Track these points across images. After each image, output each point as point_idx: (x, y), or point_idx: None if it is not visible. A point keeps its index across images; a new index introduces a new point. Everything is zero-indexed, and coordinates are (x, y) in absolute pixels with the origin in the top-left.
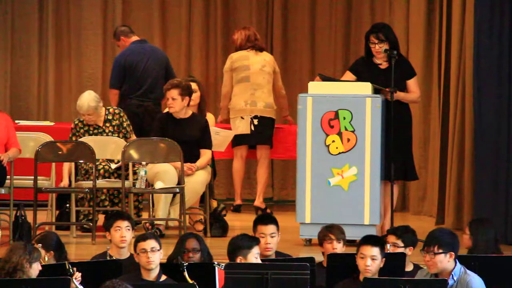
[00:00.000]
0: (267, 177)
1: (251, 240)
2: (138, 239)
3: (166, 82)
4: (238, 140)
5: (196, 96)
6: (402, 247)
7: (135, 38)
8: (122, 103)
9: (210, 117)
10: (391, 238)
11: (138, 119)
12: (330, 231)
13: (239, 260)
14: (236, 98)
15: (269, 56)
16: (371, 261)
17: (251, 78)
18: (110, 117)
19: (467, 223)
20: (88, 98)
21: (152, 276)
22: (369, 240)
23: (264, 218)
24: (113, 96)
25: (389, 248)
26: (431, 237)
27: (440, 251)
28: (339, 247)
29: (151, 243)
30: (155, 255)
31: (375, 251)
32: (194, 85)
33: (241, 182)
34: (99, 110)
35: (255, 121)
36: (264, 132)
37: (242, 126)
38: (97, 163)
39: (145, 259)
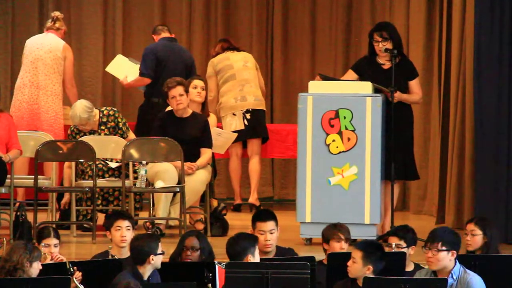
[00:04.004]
0: (259, 172)
1: (252, 237)
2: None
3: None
4: None
5: (204, 94)
6: (405, 247)
7: (164, 34)
8: (147, 103)
9: (212, 117)
10: (394, 240)
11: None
12: (340, 230)
13: (249, 259)
14: (226, 97)
15: (248, 54)
16: (351, 263)
17: (236, 76)
18: (104, 119)
19: (469, 222)
20: (79, 109)
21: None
22: (357, 243)
23: (263, 214)
24: (139, 83)
25: (394, 249)
26: (435, 234)
27: (444, 248)
28: (346, 247)
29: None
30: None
31: (354, 253)
32: (203, 83)
33: (239, 181)
34: (92, 119)
35: (248, 115)
36: (258, 125)
37: (235, 123)
38: (91, 163)
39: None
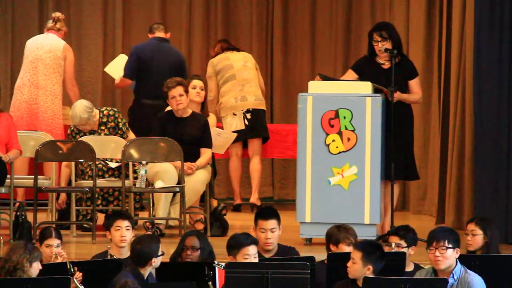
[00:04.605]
0: (260, 172)
1: (243, 240)
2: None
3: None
4: None
5: (203, 94)
6: (406, 247)
7: (158, 34)
8: (136, 103)
9: (212, 118)
10: (394, 239)
11: (150, 120)
12: (351, 234)
13: (229, 259)
14: (226, 97)
15: (248, 54)
16: (351, 263)
17: (236, 76)
18: (104, 119)
19: (470, 222)
20: (79, 110)
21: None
22: (356, 243)
23: (265, 212)
24: (122, 84)
25: (394, 248)
26: (437, 234)
27: (450, 245)
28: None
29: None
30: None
31: (354, 254)
32: (202, 83)
33: (239, 181)
34: (92, 119)
35: (248, 115)
36: (258, 124)
37: (236, 123)
38: (90, 163)
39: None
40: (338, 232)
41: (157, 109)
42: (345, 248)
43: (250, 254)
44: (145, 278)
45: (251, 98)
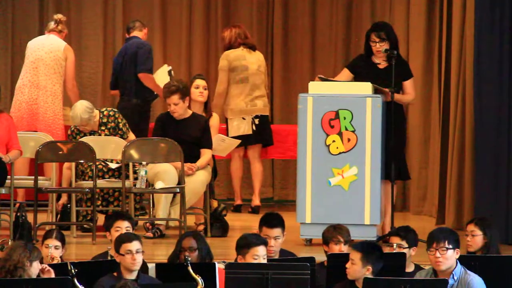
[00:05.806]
0: (261, 175)
1: (253, 240)
2: (123, 240)
3: (135, 71)
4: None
5: (206, 94)
6: (407, 247)
7: (133, 34)
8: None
9: (215, 118)
10: (396, 240)
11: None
12: (340, 232)
13: (238, 259)
14: (236, 99)
15: (262, 56)
16: (350, 264)
17: (250, 79)
18: (105, 120)
19: (469, 223)
20: (80, 110)
21: (134, 275)
22: (354, 244)
23: (270, 220)
24: (114, 94)
25: (395, 249)
26: (437, 235)
27: (450, 246)
28: (345, 249)
29: (136, 245)
30: (140, 257)
31: (353, 255)
32: (205, 83)
33: (240, 182)
34: (93, 119)
35: (256, 121)
36: (264, 131)
37: (244, 127)
38: (91, 164)
39: (130, 261)
40: (327, 232)
41: (121, 102)
42: (334, 247)
43: (259, 254)
44: (126, 278)
45: (260, 103)
